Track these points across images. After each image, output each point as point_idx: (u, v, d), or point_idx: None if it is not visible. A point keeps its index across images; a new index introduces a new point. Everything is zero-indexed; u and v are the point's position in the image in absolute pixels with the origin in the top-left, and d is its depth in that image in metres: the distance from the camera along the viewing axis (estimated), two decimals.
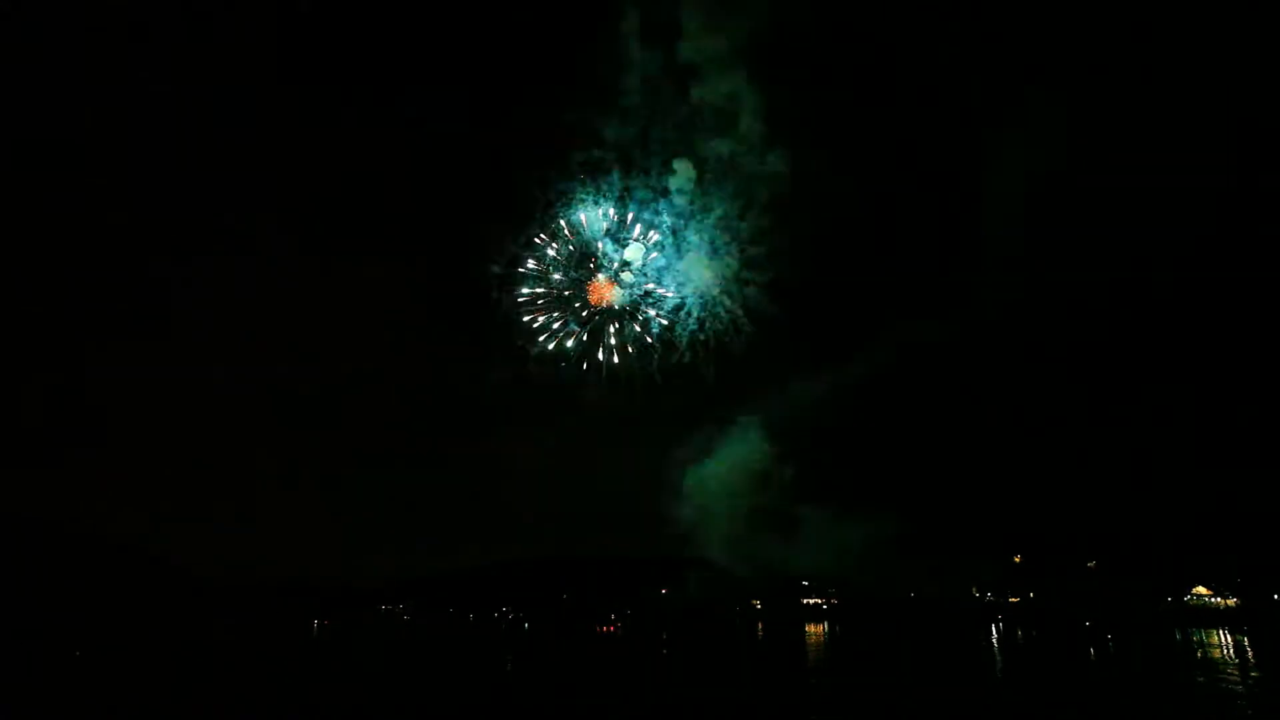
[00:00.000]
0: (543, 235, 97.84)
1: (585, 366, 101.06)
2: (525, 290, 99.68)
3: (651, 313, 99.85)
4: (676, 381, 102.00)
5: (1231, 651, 53.45)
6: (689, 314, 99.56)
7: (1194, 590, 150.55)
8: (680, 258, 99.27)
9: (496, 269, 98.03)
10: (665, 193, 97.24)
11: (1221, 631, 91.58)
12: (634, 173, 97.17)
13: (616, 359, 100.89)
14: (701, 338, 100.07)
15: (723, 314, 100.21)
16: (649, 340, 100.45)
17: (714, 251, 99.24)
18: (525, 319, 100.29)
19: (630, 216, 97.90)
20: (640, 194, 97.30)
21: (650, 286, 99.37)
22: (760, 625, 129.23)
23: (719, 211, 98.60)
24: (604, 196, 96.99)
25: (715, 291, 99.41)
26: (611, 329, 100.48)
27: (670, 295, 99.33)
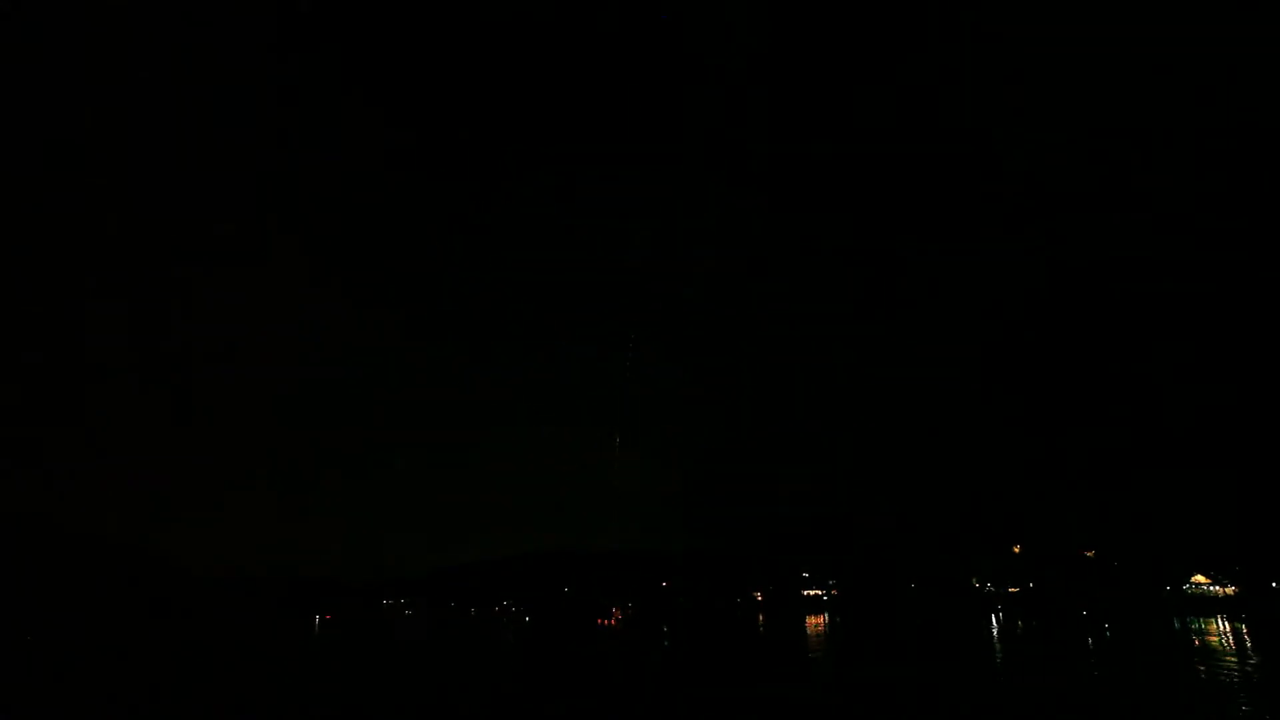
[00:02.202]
0: None
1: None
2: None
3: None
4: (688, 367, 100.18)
5: (1230, 639, 53.52)
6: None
7: (1192, 579, 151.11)
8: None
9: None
10: None
11: (1220, 619, 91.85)
12: None
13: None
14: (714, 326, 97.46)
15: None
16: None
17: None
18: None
19: None
20: None
21: None
22: (761, 617, 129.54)
23: None
24: None
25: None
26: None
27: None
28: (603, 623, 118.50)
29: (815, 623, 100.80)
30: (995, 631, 70.78)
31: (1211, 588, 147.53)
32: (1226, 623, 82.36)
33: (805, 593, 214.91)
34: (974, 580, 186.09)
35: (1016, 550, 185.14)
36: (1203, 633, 62.73)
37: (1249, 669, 33.41)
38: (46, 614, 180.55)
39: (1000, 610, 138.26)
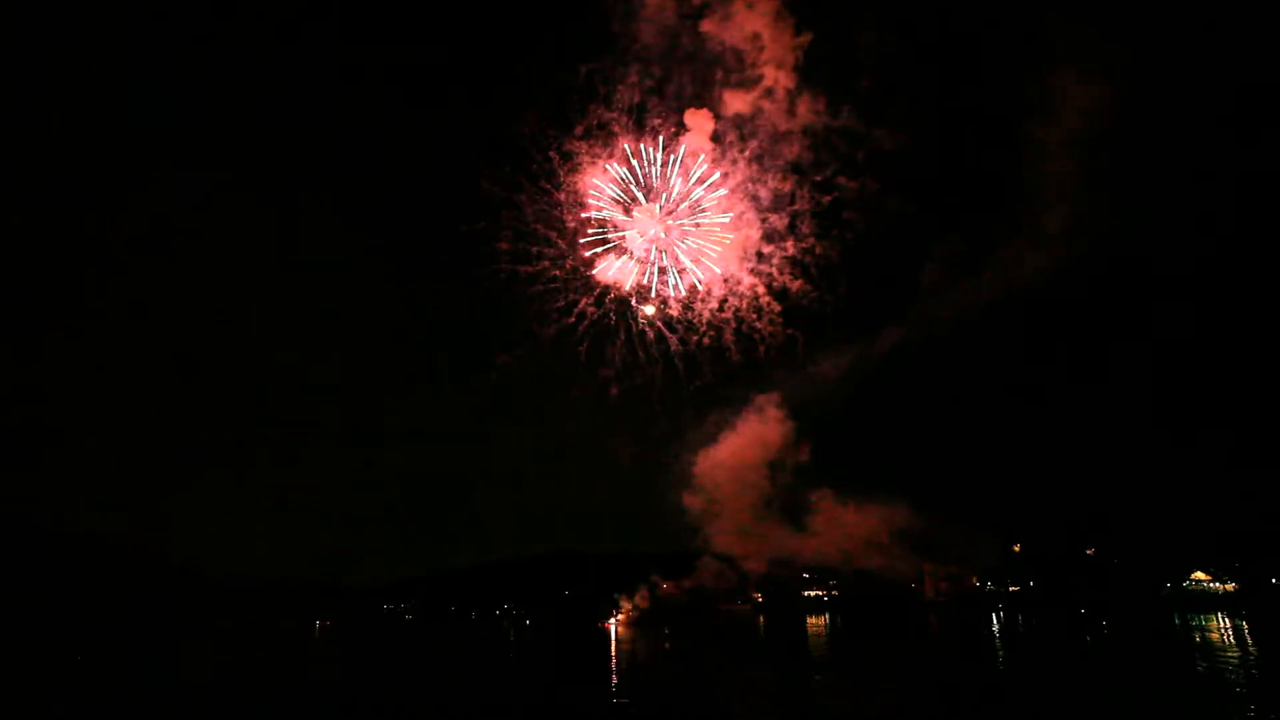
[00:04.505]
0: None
1: (584, 344, 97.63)
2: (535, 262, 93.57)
3: (669, 294, 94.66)
4: (695, 361, 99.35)
5: (1230, 635, 53.58)
6: (709, 293, 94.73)
7: (1193, 575, 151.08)
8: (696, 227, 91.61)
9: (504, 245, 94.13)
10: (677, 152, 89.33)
11: (1220, 616, 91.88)
12: (647, 132, 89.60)
13: (631, 334, 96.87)
14: (721, 314, 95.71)
15: (744, 292, 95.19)
16: (660, 324, 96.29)
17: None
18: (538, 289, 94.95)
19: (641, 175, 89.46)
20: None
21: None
22: (762, 619, 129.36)
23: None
24: (613, 163, 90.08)
25: (735, 270, 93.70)
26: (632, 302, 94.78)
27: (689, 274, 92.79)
28: (604, 625, 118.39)
29: (816, 624, 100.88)
30: (997, 630, 70.81)
31: (1212, 584, 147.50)
32: (1227, 619, 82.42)
33: (806, 593, 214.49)
34: (974, 579, 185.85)
35: (1016, 549, 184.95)
36: (1204, 629, 62.80)
37: (1250, 665, 33.41)
38: (45, 615, 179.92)
39: (1001, 609, 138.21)
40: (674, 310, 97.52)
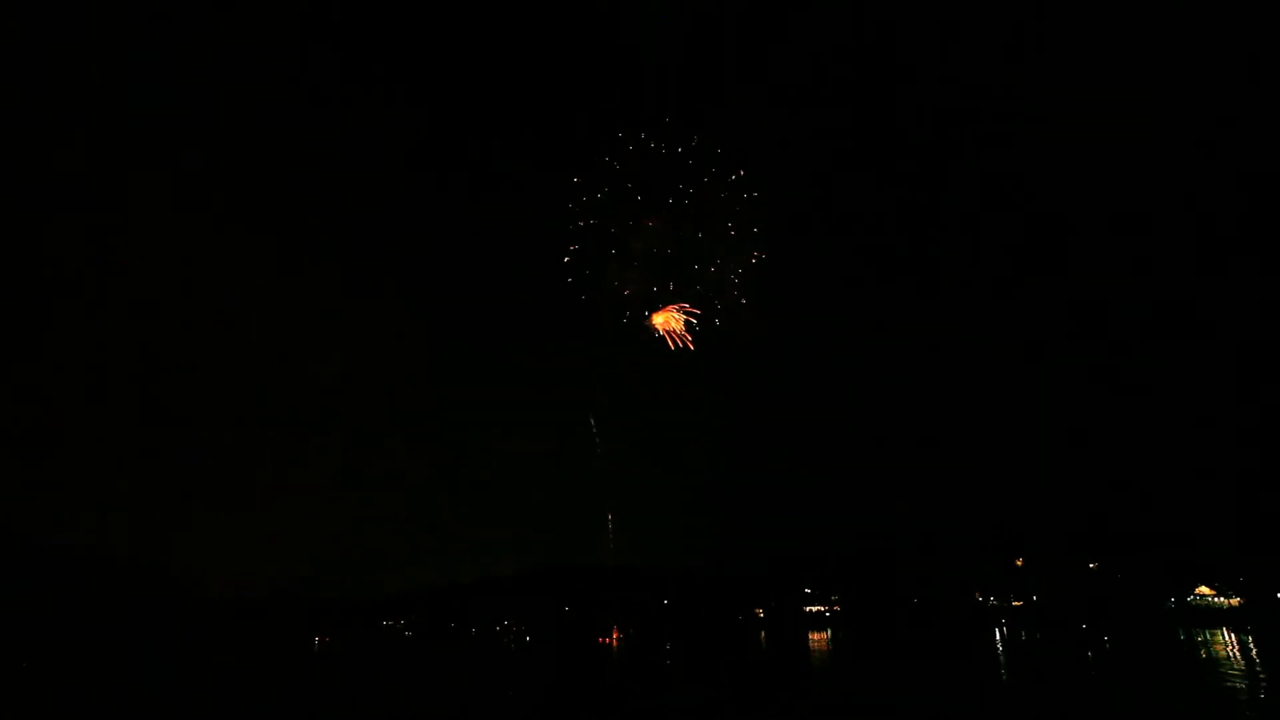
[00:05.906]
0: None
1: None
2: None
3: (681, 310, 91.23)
4: (696, 368, 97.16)
5: (1236, 651, 53.16)
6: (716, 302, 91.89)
7: (1197, 590, 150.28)
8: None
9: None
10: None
11: (1225, 631, 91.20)
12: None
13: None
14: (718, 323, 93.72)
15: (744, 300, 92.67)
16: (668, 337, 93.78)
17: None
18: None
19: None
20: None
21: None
22: (763, 634, 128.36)
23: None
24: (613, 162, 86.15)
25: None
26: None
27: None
28: (604, 641, 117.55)
29: (818, 639, 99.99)
30: (1000, 646, 70.30)
31: (1216, 599, 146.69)
32: (1232, 634, 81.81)
33: (807, 609, 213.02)
34: (977, 594, 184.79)
35: (1019, 563, 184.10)
36: (1209, 644, 62.36)
37: (1259, 681, 33.16)
38: (42, 628, 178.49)
39: (1004, 624, 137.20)
40: (679, 328, 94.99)
